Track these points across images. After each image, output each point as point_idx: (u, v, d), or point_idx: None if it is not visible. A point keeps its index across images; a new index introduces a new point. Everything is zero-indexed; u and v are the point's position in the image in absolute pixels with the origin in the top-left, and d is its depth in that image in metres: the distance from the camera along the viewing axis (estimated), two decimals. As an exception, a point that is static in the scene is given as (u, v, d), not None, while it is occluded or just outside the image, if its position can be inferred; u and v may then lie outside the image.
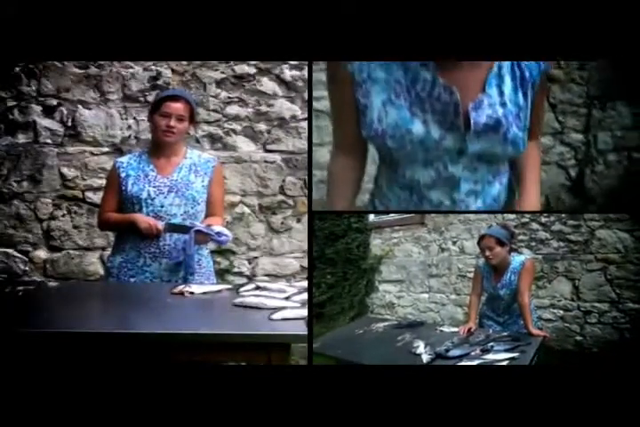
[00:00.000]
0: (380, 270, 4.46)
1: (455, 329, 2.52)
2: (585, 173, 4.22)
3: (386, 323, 2.85)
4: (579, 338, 3.13)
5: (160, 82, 3.82)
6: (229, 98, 3.90)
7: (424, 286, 4.16)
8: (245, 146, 3.91)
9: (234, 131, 3.90)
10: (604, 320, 3.04)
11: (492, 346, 2.08)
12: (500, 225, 2.64)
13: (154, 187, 2.80)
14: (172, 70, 3.82)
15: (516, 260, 2.56)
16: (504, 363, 1.90)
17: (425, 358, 2.05)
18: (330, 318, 4.17)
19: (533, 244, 3.34)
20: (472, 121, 1.62)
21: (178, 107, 2.79)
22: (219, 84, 3.88)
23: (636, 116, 4.35)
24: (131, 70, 3.82)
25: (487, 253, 2.51)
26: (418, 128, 1.62)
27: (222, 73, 3.87)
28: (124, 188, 2.83)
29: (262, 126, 3.91)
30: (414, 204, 1.74)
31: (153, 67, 3.83)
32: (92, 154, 3.83)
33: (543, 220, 3.33)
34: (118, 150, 3.80)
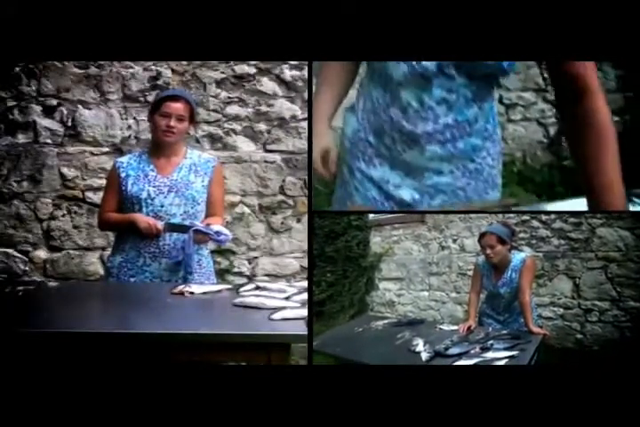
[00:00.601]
0: (380, 268, 4.46)
1: (455, 327, 2.52)
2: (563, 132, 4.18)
3: (385, 321, 2.85)
4: (579, 336, 3.12)
5: (160, 82, 3.87)
6: (229, 98, 3.90)
7: (424, 283, 4.15)
8: (245, 146, 3.91)
9: (234, 131, 3.90)
10: (605, 318, 3.04)
11: (491, 344, 2.08)
12: (501, 223, 2.62)
13: (154, 187, 2.81)
14: (172, 70, 3.86)
15: (517, 257, 2.54)
16: (504, 361, 1.90)
17: (424, 356, 2.05)
18: (330, 317, 4.16)
19: (534, 241, 3.34)
20: None
21: (178, 107, 2.81)
22: (219, 84, 3.88)
23: (621, 78, 4.40)
24: (131, 70, 3.84)
25: (488, 250, 2.50)
26: None
27: (222, 73, 3.87)
28: (123, 188, 2.84)
29: (262, 126, 3.91)
30: (386, 104, 1.68)
31: (153, 67, 3.84)
32: (92, 154, 3.85)
33: (544, 217, 3.33)
34: (118, 150, 3.82)
